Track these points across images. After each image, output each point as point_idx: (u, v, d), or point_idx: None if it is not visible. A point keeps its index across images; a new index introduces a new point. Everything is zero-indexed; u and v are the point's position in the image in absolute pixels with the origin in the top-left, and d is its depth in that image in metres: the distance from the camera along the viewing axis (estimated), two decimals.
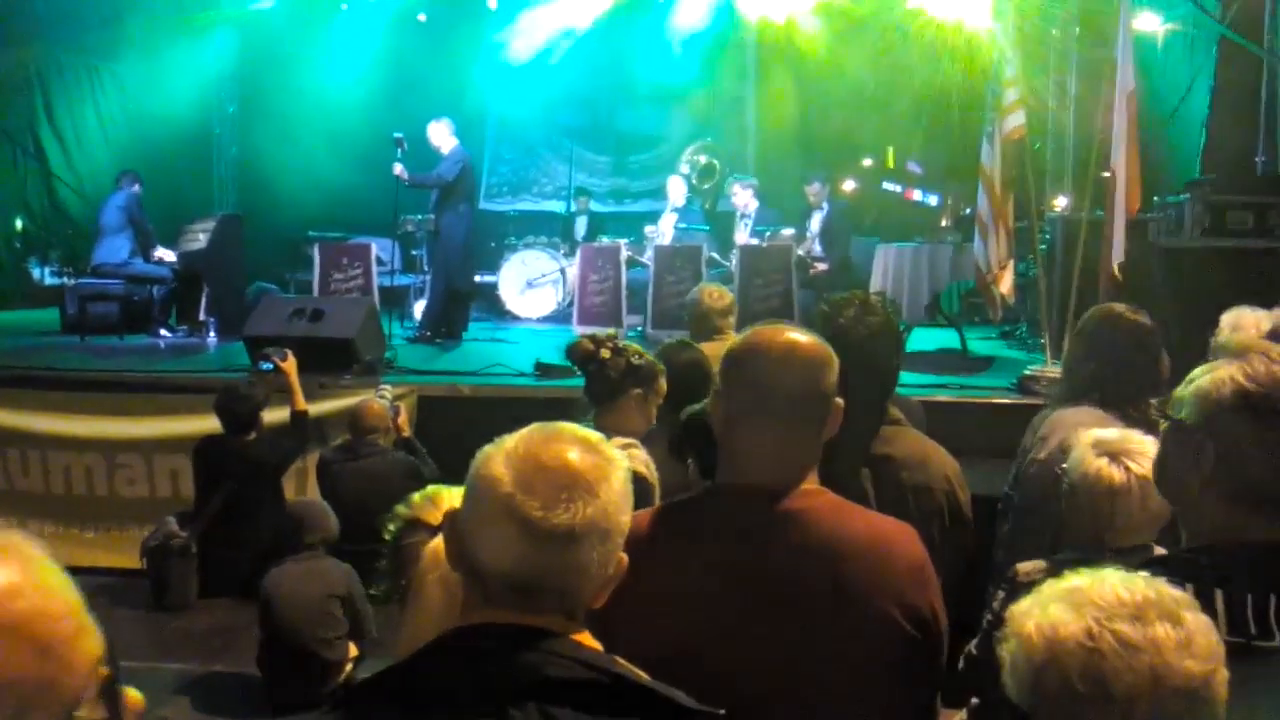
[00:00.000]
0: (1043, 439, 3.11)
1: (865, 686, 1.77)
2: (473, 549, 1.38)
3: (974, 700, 2.45)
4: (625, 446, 3.04)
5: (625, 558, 1.43)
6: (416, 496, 1.84)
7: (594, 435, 1.45)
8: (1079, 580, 1.31)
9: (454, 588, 1.57)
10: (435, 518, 1.76)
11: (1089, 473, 2.36)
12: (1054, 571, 2.27)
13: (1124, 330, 3.24)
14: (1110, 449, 2.37)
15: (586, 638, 1.40)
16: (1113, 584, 1.28)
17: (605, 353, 3.22)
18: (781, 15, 11.19)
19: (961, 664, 2.07)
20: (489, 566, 1.36)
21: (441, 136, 9.27)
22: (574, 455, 1.38)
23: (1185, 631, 1.23)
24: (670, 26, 12.27)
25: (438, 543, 1.68)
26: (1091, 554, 2.26)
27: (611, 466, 1.41)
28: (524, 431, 1.42)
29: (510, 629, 1.35)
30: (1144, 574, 1.31)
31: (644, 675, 1.35)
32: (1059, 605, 1.28)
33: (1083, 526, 2.39)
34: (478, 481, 1.39)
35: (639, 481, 2.98)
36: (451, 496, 1.77)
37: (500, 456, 1.38)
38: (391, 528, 1.82)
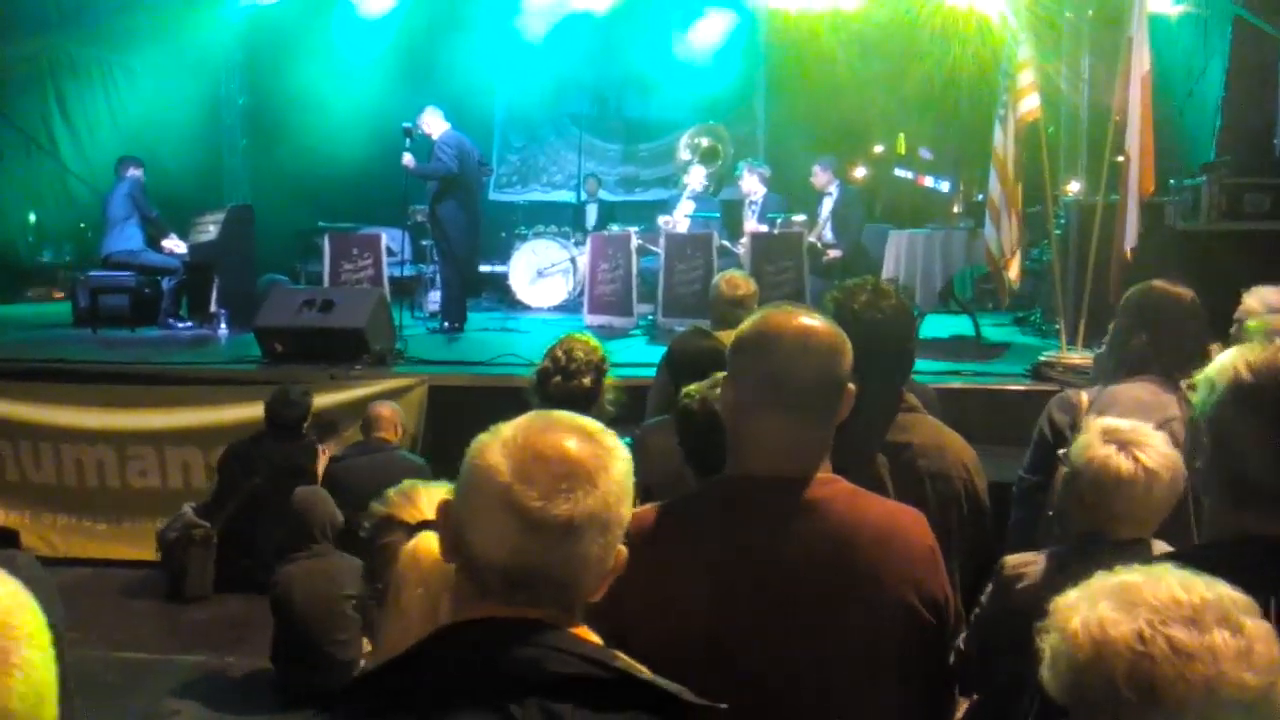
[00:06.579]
0: (1099, 415, 3.07)
1: (884, 673, 1.75)
2: (468, 541, 1.34)
3: (974, 697, 2.42)
4: None
5: (625, 550, 1.39)
6: (392, 493, 1.78)
7: (593, 424, 1.40)
8: (1132, 576, 1.24)
9: (433, 591, 1.53)
10: (412, 515, 1.70)
11: (1095, 460, 2.28)
12: (1051, 564, 2.25)
13: (1172, 301, 3.23)
14: (1120, 438, 2.30)
15: (585, 631, 1.36)
16: (1168, 583, 1.21)
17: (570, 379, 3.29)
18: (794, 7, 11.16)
19: (951, 658, 2.04)
20: (485, 558, 1.32)
21: (434, 123, 9.19)
22: (572, 444, 1.34)
23: (1245, 640, 1.16)
24: (680, 15, 12.23)
25: (416, 544, 1.64)
26: (1089, 545, 2.22)
27: (611, 456, 1.36)
28: (521, 420, 1.38)
29: (508, 623, 1.31)
30: (1204, 575, 1.23)
31: (645, 670, 1.32)
32: (1108, 602, 1.21)
33: (1081, 515, 2.31)
34: (474, 471, 1.34)
35: None
36: (429, 493, 1.72)
37: (497, 445, 1.34)
38: (367, 525, 1.77)
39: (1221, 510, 1.66)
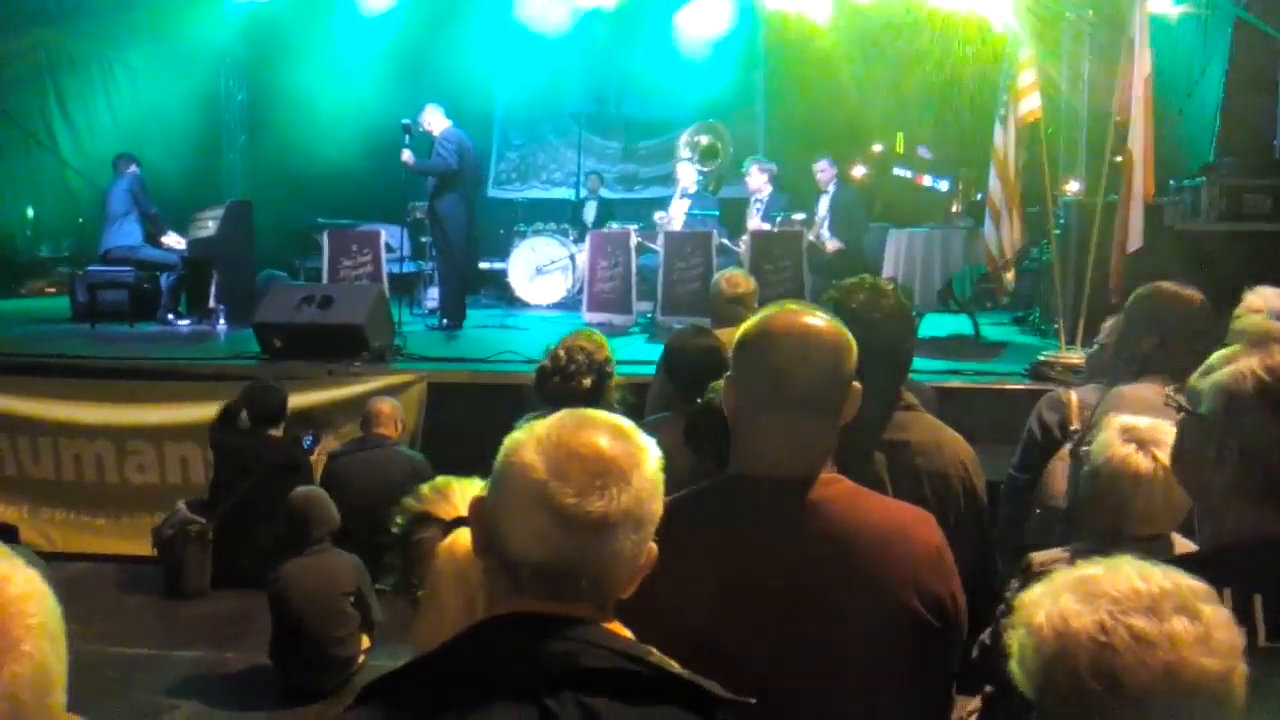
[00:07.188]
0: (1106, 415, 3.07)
1: (885, 674, 1.74)
2: (503, 537, 1.35)
3: (988, 688, 2.42)
4: None
5: (655, 547, 1.40)
6: (425, 488, 1.77)
7: (625, 422, 1.41)
8: (1092, 569, 1.25)
9: (470, 587, 1.54)
10: (447, 512, 1.69)
11: (1115, 459, 2.29)
12: (1073, 561, 2.25)
13: (1183, 303, 3.22)
14: (1139, 437, 2.30)
15: (618, 627, 1.37)
16: (1127, 574, 1.22)
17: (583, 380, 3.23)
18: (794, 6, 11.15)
19: (975, 652, 2.04)
20: (520, 555, 1.33)
21: (434, 120, 9.20)
22: (606, 442, 1.35)
23: (1203, 626, 1.17)
24: (680, 13, 12.23)
25: (453, 540, 1.64)
26: (1109, 543, 2.22)
27: (644, 454, 1.38)
28: (554, 417, 1.39)
29: (543, 618, 1.32)
30: (1160, 564, 1.25)
31: (676, 665, 1.33)
32: (1071, 595, 1.23)
33: (1101, 514, 2.33)
34: (509, 468, 1.35)
35: None
36: (463, 490, 1.72)
37: (532, 443, 1.35)
38: (400, 521, 1.77)
39: (1242, 512, 1.65)
